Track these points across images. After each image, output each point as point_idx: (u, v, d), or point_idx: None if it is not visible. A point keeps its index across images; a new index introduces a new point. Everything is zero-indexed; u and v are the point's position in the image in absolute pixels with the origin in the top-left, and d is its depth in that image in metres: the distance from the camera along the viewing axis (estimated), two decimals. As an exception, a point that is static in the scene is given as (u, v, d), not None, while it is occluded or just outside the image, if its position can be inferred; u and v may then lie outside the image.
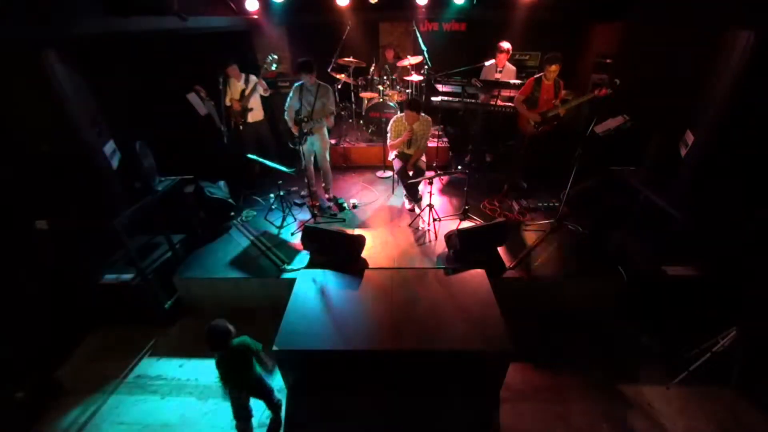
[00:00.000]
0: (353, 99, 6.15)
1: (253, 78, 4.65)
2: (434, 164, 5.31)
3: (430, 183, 4.11)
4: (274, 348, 2.63)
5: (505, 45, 5.10)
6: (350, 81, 5.78)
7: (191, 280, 3.62)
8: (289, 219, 4.41)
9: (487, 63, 5.20)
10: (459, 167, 5.52)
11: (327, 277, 3.36)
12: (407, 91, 5.94)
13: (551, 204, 4.59)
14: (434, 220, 4.18)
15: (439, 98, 5.56)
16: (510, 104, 4.99)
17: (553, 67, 4.08)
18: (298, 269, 3.58)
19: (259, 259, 3.78)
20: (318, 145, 4.40)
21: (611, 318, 3.54)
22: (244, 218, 4.49)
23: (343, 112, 6.09)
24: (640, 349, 3.29)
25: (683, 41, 3.84)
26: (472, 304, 3.03)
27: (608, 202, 4.13)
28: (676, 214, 3.29)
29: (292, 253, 3.85)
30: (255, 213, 4.62)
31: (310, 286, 3.25)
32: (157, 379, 3.11)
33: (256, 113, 4.88)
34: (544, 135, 4.47)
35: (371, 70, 6.06)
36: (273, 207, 4.60)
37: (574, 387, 2.97)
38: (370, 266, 3.61)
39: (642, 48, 4.51)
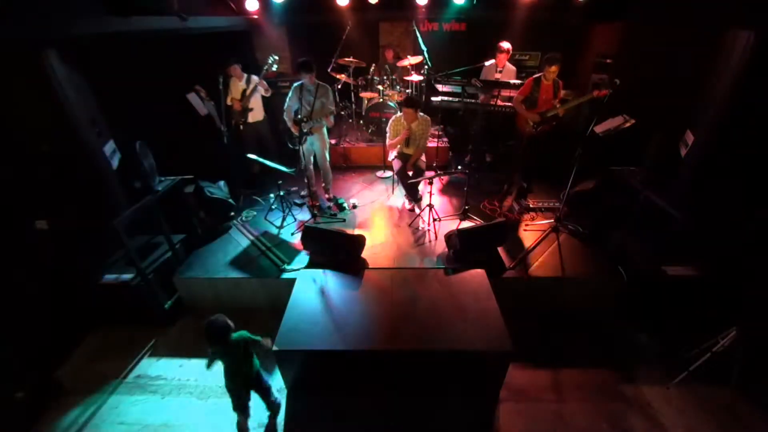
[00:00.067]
0: (353, 99, 6.15)
1: (254, 78, 4.66)
2: (434, 164, 5.31)
3: (430, 183, 4.11)
4: (274, 348, 2.63)
5: (505, 45, 5.10)
6: (350, 81, 5.78)
7: (191, 280, 3.62)
8: (289, 219, 4.41)
9: (487, 63, 5.21)
10: (459, 167, 5.52)
11: (327, 277, 3.36)
12: (407, 91, 5.94)
13: (551, 204, 4.59)
14: (434, 220, 4.18)
15: (439, 98, 5.57)
16: (510, 104, 4.99)
17: (553, 68, 4.07)
18: (298, 269, 3.58)
19: (259, 259, 3.78)
20: (317, 144, 4.40)
21: (611, 318, 3.54)
22: (244, 218, 4.49)
23: (343, 112, 6.09)
24: (640, 349, 3.29)
25: (683, 41, 3.84)
26: (472, 304, 3.03)
27: (608, 202, 4.13)
28: (676, 214, 3.29)
29: (292, 253, 3.85)
30: (255, 213, 4.62)
31: (310, 286, 3.26)
32: (157, 379, 3.11)
33: (256, 113, 4.88)
34: (543, 135, 4.47)
35: (371, 70, 6.06)
36: (273, 207, 4.60)
37: (574, 387, 2.97)
38: (370, 266, 3.61)
39: (642, 48, 4.51)
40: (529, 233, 4.11)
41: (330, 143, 4.88)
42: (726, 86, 3.01)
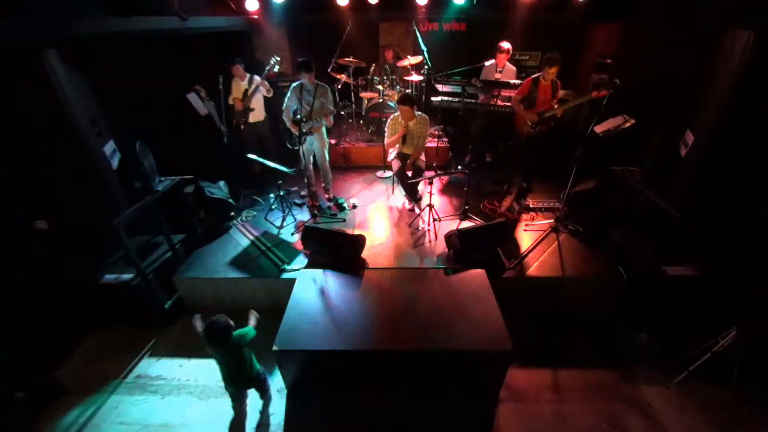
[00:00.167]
0: (353, 99, 6.15)
1: (256, 78, 4.66)
2: (434, 164, 5.31)
3: (430, 183, 4.11)
4: (274, 348, 2.64)
5: (505, 45, 5.10)
6: (350, 81, 5.78)
7: (191, 280, 3.62)
8: (289, 219, 4.41)
9: (487, 63, 5.21)
10: (459, 167, 5.52)
11: (327, 277, 3.36)
12: (407, 91, 5.94)
13: (551, 204, 4.59)
14: (434, 220, 4.18)
15: (439, 98, 5.56)
16: (510, 104, 4.99)
17: (552, 69, 4.06)
18: (298, 269, 3.58)
19: (259, 259, 3.78)
20: (317, 144, 4.40)
21: (611, 318, 3.54)
22: (244, 218, 4.49)
23: (342, 112, 6.09)
24: (640, 349, 3.29)
25: (683, 41, 3.84)
26: (472, 304, 3.03)
27: (608, 202, 4.13)
28: (676, 214, 3.29)
29: (292, 253, 3.85)
30: (255, 213, 4.62)
31: (310, 286, 3.26)
32: (157, 379, 3.11)
33: (257, 113, 4.88)
34: (542, 135, 4.47)
35: (371, 70, 6.06)
36: (273, 207, 4.60)
37: (574, 387, 2.97)
38: (370, 266, 3.60)
39: (642, 48, 4.51)
40: (529, 233, 4.11)
41: (330, 143, 4.88)
42: (726, 86, 3.01)
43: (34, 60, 2.76)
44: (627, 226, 3.84)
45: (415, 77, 5.65)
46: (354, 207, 4.71)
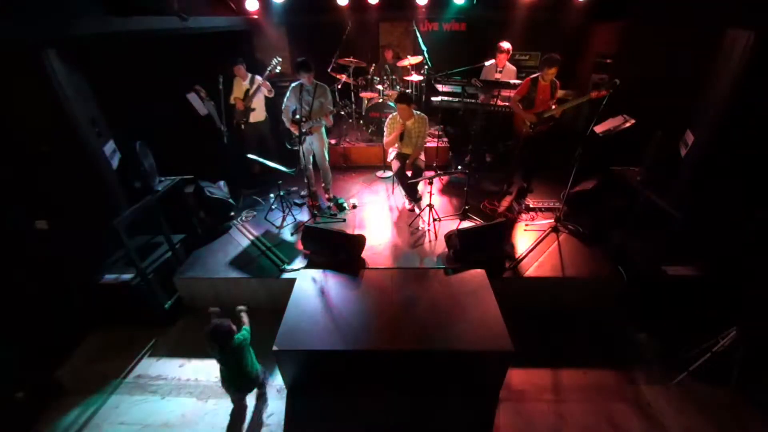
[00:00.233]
0: (353, 99, 6.15)
1: (258, 78, 4.66)
2: (434, 164, 5.31)
3: (430, 183, 4.11)
4: (274, 348, 2.64)
5: (505, 45, 5.10)
6: (350, 81, 5.78)
7: (191, 280, 3.62)
8: (289, 219, 4.41)
9: (487, 63, 5.21)
10: (459, 167, 5.52)
11: (327, 277, 3.36)
12: (407, 91, 5.94)
13: (551, 204, 4.59)
14: (434, 220, 4.18)
15: (439, 98, 5.57)
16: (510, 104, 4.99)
17: (551, 70, 4.05)
18: (298, 269, 3.58)
19: (259, 259, 3.78)
20: (316, 144, 4.40)
21: (611, 318, 3.54)
22: (244, 218, 4.49)
23: (342, 112, 6.09)
24: (640, 349, 3.29)
25: (683, 41, 3.84)
26: (472, 304, 3.03)
27: (608, 202, 4.13)
28: (676, 214, 3.29)
29: (292, 253, 3.85)
30: (255, 213, 4.62)
31: (310, 286, 3.26)
32: (157, 379, 3.11)
33: (258, 113, 4.89)
34: (541, 135, 4.47)
35: (371, 70, 6.06)
36: (273, 207, 4.60)
37: (574, 387, 2.97)
38: (370, 266, 3.60)
39: (642, 48, 4.51)
40: (529, 233, 4.11)
41: (330, 143, 4.87)
42: (726, 86, 3.01)
43: (34, 60, 2.76)
44: (627, 226, 3.84)
45: (415, 77, 5.65)
46: (354, 207, 4.71)
